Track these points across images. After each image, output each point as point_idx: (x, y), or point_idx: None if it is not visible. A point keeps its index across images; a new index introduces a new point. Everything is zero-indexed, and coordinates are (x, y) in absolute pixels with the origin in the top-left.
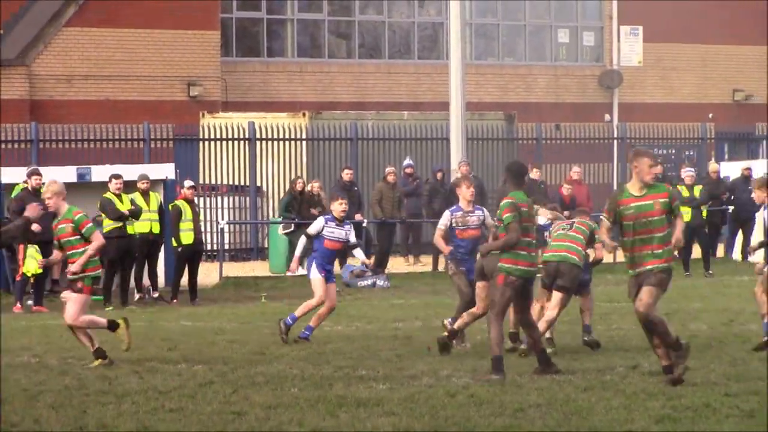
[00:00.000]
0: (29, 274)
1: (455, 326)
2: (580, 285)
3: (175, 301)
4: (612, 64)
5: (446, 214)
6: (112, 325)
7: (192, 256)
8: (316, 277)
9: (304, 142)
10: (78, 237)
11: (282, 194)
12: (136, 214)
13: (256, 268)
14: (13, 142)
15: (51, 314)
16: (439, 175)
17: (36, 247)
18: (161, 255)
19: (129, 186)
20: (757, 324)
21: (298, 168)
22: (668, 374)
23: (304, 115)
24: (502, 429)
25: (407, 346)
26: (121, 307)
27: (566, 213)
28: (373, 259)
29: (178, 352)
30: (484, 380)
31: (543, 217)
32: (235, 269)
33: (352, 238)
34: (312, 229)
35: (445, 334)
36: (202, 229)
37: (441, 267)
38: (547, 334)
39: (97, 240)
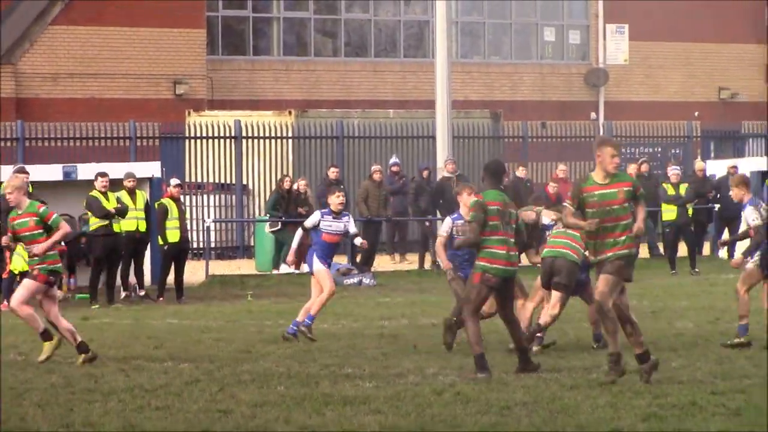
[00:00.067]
0: (16, 272)
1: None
2: (578, 285)
3: (161, 299)
4: (598, 62)
5: (447, 221)
6: (46, 335)
7: (178, 254)
8: (319, 268)
9: (290, 141)
10: (41, 231)
11: (268, 192)
12: (122, 212)
13: (243, 267)
14: None
15: (38, 312)
16: (425, 174)
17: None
18: (147, 253)
19: (115, 184)
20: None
21: (284, 166)
22: (642, 363)
23: (290, 113)
24: (489, 427)
25: (393, 345)
26: (107, 305)
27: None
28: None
29: (165, 351)
30: (470, 378)
31: (547, 217)
32: (221, 267)
33: (352, 229)
34: (308, 223)
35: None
36: (189, 227)
37: (427, 265)
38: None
39: (64, 229)
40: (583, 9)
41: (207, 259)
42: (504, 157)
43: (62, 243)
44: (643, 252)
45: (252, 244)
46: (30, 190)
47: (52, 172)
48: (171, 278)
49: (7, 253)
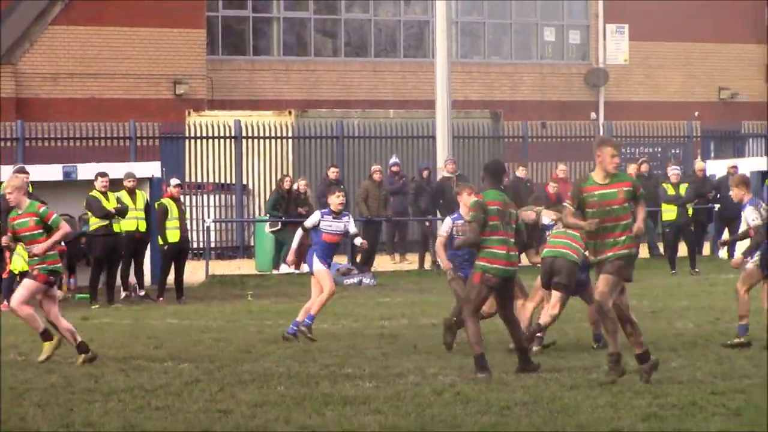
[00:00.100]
0: (16, 272)
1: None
2: (578, 285)
3: (161, 299)
4: (598, 62)
5: (447, 221)
6: (46, 335)
7: (178, 254)
8: (319, 268)
9: (290, 141)
10: (41, 231)
11: (268, 192)
12: (122, 212)
13: (243, 267)
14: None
15: (38, 312)
16: (425, 174)
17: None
18: (147, 253)
19: (115, 184)
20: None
21: (284, 166)
22: (642, 363)
23: (290, 113)
24: (489, 427)
25: (393, 345)
26: (107, 305)
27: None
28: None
29: (165, 351)
30: (470, 378)
31: (547, 217)
32: (221, 267)
33: (352, 229)
34: (308, 223)
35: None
36: (189, 227)
37: (427, 265)
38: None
39: (64, 229)
40: (583, 9)
41: (207, 259)
42: (504, 157)
43: (62, 243)
44: (643, 252)
45: (252, 244)
46: (30, 190)
47: (52, 172)
48: (171, 278)
49: (7, 253)
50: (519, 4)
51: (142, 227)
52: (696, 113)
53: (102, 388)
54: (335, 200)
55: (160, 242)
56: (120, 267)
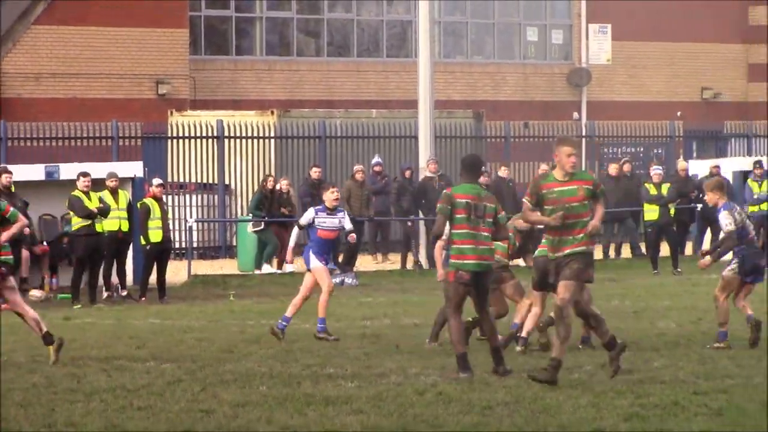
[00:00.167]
0: None
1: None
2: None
3: (143, 299)
4: (581, 62)
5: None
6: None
7: (160, 254)
8: (317, 265)
9: (272, 141)
10: None
11: (250, 192)
12: (104, 211)
13: (225, 266)
14: None
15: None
16: (407, 173)
17: None
18: (130, 253)
19: (97, 184)
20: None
21: (267, 166)
22: (610, 350)
23: (272, 113)
24: (471, 427)
25: (376, 344)
26: (89, 305)
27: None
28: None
29: (147, 350)
30: (452, 378)
31: None
32: (203, 267)
33: (347, 225)
34: (303, 220)
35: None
36: (171, 227)
37: (410, 265)
38: (523, 332)
39: (21, 221)
40: (566, 9)
41: (189, 259)
42: (486, 157)
43: (44, 242)
44: (626, 252)
45: (234, 244)
46: (12, 189)
47: (34, 171)
48: (153, 278)
49: None
50: (502, 4)
51: (125, 227)
52: (678, 113)
53: (84, 388)
54: (330, 196)
55: (143, 242)
56: (102, 267)
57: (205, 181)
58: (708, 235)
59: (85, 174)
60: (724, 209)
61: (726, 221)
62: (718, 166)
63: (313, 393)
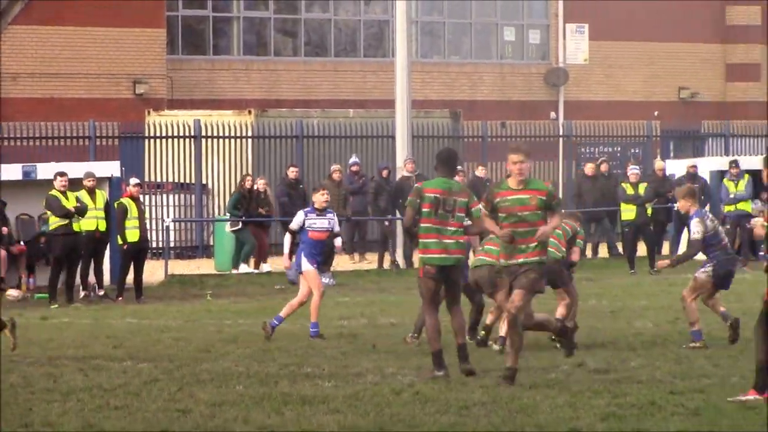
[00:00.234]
0: None
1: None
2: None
3: (120, 298)
4: (558, 62)
5: None
6: None
7: (137, 253)
8: (308, 268)
9: (249, 140)
10: None
11: (227, 192)
12: (81, 211)
13: (202, 266)
14: None
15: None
16: (384, 173)
17: None
18: (107, 253)
19: (74, 184)
20: (702, 323)
21: (244, 166)
22: (563, 337)
23: (249, 112)
24: (448, 427)
25: (352, 344)
26: (66, 304)
27: None
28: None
29: (124, 350)
30: (428, 377)
31: None
32: (180, 267)
33: (336, 227)
34: (294, 225)
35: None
36: (148, 226)
37: (387, 265)
38: (501, 332)
39: None
40: (543, 9)
41: (166, 259)
42: (464, 157)
43: (21, 242)
44: (603, 252)
45: (211, 243)
46: None
47: (11, 171)
48: (130, 278)
49: None
50: (479, 4)
51: (102, 227)
52: (656, 113)
53: (61, 387)
54: (320, 198)
55: (120, 242)
56: (79, 266)
57: (182, 180)
58: (685, 235)
59: (62, 174)
60: (695, 216)
61: (695, 229)
62: (695, 166)
63: (290, 392)
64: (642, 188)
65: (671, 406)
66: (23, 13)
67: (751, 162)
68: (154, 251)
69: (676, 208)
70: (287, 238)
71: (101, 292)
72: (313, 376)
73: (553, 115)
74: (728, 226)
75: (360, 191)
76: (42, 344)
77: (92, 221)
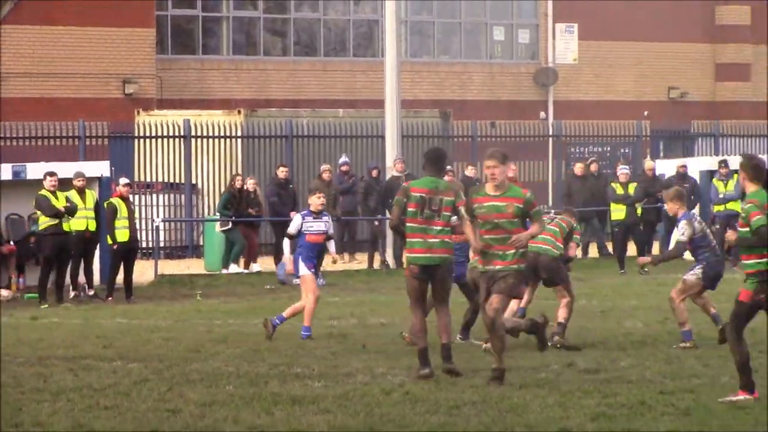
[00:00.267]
0: None
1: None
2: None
3: (110, 298)
4: (547, 61)
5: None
6: None
7: (127, 253)
8: (305, 273)
9: (239, 140)
10: None
11: (217, 192)
12: (71, 211)
13: (192, 266)
14: None
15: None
16: (374, 173)
17: None
18: (97, 252)
19: (64, 183)
20: (691, 323)
21: (234, 166)
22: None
23: (239, 112)
24: (438, 427)
25: (342, 344)
26: (56, 304)
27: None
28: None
29: (114, 350)
30: (416, 377)
31: None
32: (170, 267)
33: (331, 230)
34: (292, 229)
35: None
36: (138, 226)
37: (377, 265)
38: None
39: None
40: (533, 8)
41: (156, 259)
42: (453, 157)
43: (11, 242)
44: (593, 252)
45: (201, 243)
46: None
47: (1, 171)
48: (120, 278)
49: None
50: (468, 4)
51: (92, 227)
52: (645, 112)
53: (51, 387)
54: (316, 201)
55: (109, 241)
56: (69, 266)
57: (171, 180)
58: (675, 235)
59: (51, 173)
60: (683, 218)
61: (681, 231)
62: (685, 166)
63: (280, 392)
64: (632, 188)
65: (661, 406)
66: (13, 13)
67: None
68: (144, 251)
69: (665, 209)
70: (287, 243)
71: (91, 292)
72: (303, 376)
73: (542, 114)
74: (718, 226)
75: (350, 191)
76: (32, 344)
77: (82, 221)
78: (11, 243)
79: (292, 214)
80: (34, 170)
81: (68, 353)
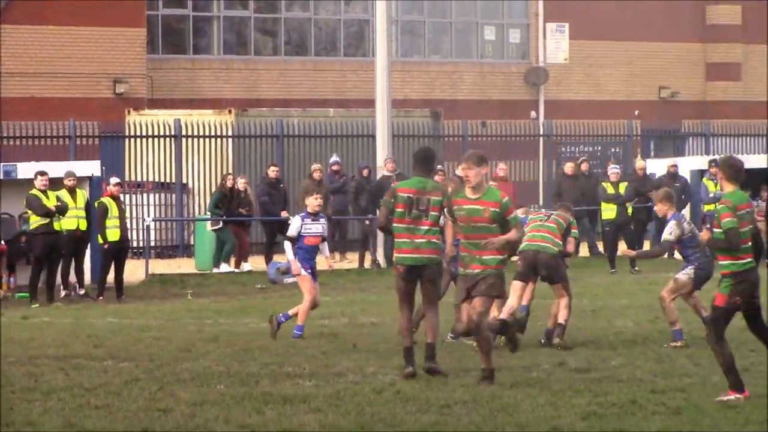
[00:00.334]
0: None
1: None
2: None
3: (101, 298)
4: (538, 61)
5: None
6: None
7: (118, 253)
8: (302, 274)
9: (230, 140)
10: None
11: (208, 191)
12: (62, 210)
13: (182, 266)
14: None
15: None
16: (365, 172)
17: None
18: (87, 252)
19: (55, 183)
20: (682, 322)
21: (224, 165)
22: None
23: (230, 112)
24: (429, 426)
25: (333, 343)
26: (47, 304)
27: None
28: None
29: (104, 349)
30: (404, 375)
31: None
32: (161, 266)
33: (326, 233)
34: (293, 231)
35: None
36: (128, 226)
37: (367, 264)
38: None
39: None
40: (524, 8)
41: (147, 258)
42: (444, 156)
43: (2, 241)
44: (583, 251)
45: (192, 243)
46: None
47: None
48: (111, 277)
49: None
50: (459, 4)
51: (83, 226)
52: (636, 112)
53: (42, 387)
54: (313, 202)
55: (100, 241)
56: (60, 266)
57: (162, 180)
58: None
59: (42, 173)
60: (673, 219)
61: (669, 230)
62: (675, 165)
63: (271, 392)
64: (622, 187)
65: (652, 405)
66: (4, 13)
67: None
68: (135, 250)
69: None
70: (288, 245)
71: (82, 292)
72: (293, 376)
73: (533, 114)
74: (708, 225)
75: (340, 190)
76: (23, 343)
77: (73, 220)
78: (2, 242)
79: (283, 213)
80: (25, 169)
81: (59, 353)
